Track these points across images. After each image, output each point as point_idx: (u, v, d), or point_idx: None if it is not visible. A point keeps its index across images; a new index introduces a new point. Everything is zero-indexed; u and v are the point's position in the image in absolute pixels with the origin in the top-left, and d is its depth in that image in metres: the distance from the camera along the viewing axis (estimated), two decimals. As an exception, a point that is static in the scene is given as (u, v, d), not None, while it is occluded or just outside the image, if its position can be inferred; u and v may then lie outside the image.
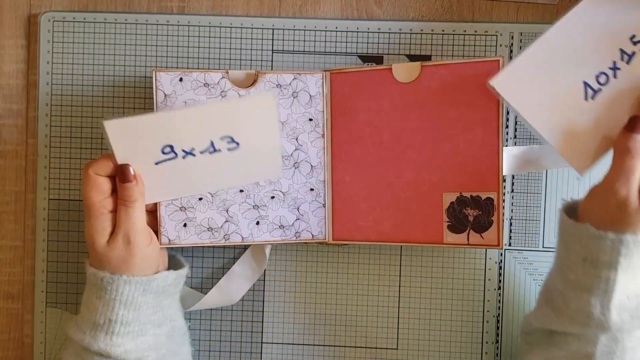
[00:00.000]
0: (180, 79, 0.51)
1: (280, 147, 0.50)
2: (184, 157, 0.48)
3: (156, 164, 0.48)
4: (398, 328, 0.56)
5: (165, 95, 0.51)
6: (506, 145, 0.54)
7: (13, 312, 0.57)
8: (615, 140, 0.44)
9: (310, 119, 0.53)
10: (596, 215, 0.43)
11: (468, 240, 0.51)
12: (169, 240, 0.51)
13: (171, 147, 0.47)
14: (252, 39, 0.56)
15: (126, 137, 0.46)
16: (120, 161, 0.47)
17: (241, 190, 0.52)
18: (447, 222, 0.52)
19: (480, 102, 0.50)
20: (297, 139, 0.53)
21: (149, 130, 0.47)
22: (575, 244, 0.44)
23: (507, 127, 0.55)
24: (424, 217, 0.52)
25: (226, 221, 0.52)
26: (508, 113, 0.54)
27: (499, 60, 0.50)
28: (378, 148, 0.52)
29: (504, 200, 0.55)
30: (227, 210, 0.52)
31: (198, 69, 0.54)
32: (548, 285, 0.48)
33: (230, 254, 0.56)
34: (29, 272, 0.57)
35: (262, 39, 0.56)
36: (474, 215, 0.51)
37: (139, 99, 0.56)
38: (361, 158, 0.53)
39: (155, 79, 0.51)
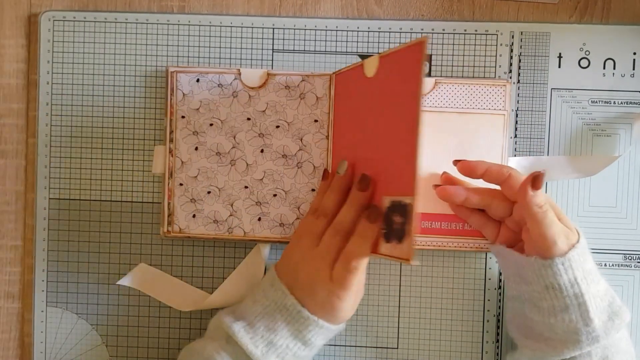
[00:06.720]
0: (197, 80, 0.54)
1: None
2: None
3: None
4: (398, 327, 0.56)
5: (184, 94, 0.54)
6: (514, 155, 0.54)
7: (13, 312, 0.57)
8: (523, 200, 0.46)
9: (316, 120, 0.53)
10: (545, 251, 0.46)
11: (391, 251, 0.42)
12: (180, 229, 0.54)
13: None
14: (252, 38, 0.56)
15: None
16: None
17: (246, 187, 0.54)
18: (383, 229, 0.44)
19: (404, 94, 0.42)
20: (301, 140, 0.53)
21: None
22: (532, 276, 0.46)
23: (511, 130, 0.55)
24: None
25: (230, 215, 0.54)
26: (516, 117, 0.54)
27: (422, 42, 0.40)
28: (352, 147, 0.50)
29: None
30: (232, 205, 0.54)
31: (212, 69, 0.54)
32: (521, 322, 0.50)
33: (231, 254, 0.56)
34: (29, 271, 0.57)
35: (262, 38, 0.56)
36: (399, 222, 0.42)
37: (140, 98, 0.56)
38: (348, 157, 0.50)
39: (176, 79, 0.54)
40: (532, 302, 0.47)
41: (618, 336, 0.46)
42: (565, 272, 0.45)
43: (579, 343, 0.45)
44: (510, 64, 0.55)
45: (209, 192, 0.54)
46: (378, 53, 0.49)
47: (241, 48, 0.56)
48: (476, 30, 0.55)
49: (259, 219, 0.54)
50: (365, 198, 0.46)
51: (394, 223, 0.42)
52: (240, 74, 0.54)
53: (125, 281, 0.56)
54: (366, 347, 0.56)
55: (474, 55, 0.55)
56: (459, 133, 0.53)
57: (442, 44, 0.55)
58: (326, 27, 0.56)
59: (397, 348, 0.56)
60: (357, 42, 0.56)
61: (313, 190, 0.54)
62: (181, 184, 0.54)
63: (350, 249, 0.45)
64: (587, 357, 0.46)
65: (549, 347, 0.47)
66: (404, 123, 0.42)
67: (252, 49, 0.56)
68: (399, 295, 0.56)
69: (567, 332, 0.46)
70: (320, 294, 0.45)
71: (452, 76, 0.55)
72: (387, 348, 0.56)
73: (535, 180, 0.45)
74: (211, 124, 0.54)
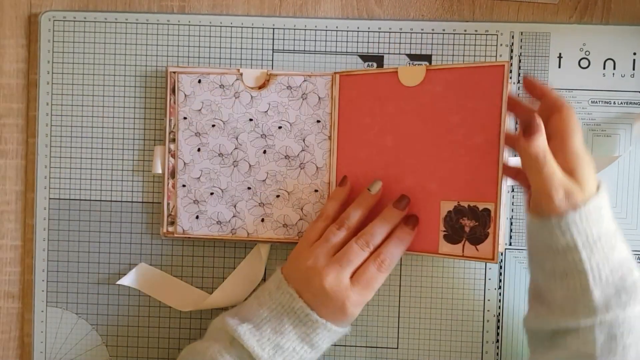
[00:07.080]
0: (199, 81, 0.54)
1: None
2: None
3: None
4: (398, 327, 0.56)
5: (186, 95, 0.54)
6: (514, 155, 0.54)
7: (13, 312, 0.57)
8: (519, 150, 0.43)
9: (318, 121, 0.53)
10: (542, 207, 0.43)
11: (463, 252, 0.48)
12: (183, 230, 0.54)
13: None
14: (252, 38, 0.56)
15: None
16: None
17: (249, 188, 0.54)
18: (444, 231, 0.49)
19: (482, 109, 0.48)
20: (304, 140, 0.53)
21: None
22: (535, 235, 0.44)
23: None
24: (420, 225, 0.50)
25: (234, 216, 0.54)
26: (517, 123, 0.54)
27: (504, 65, 0.47)
28: (381, 152, 0.51)
29: (512, 211, 0.55)
30: (234, 206, 0.54)
31: (213, 69, 0.55)
32: (532, 282, 0.48)
33: (231, 254, 0.56)
34: (29, 271, 0.57)
35: (262, 38, 0.56)
36: (471, 226, 0.48)
37: (140, 98, 0.56)
38: (365, 161, 0.52)
39: (178, 81, 0.54)
40: (538, 263, 0.45)
41: (633, 315, 0.41)
42: (562, 235, 0.41)
43: (575, 313, 0.42)
44: (510, 64, 0.55)
45: (211, 194, 0.54)
46: (426, 65, 0.51)
47: (241, 48, 0.56)
48: (476, 31, 0.55)
49: (262, 220, 0.54)
50: (401, 216, 0.49)
51: (464, 226, 0.48)
52: (241, 74, 0.54)
53: (125, 281, 0.56)
54: (366, 347, 0.56)
55: (474, 56, 0.55)
56: None
57: (442, 44, 0.55)
58: (326, 27, 0.56)
59: (397, 348, 0.56)
60: (357, 42, 0.56)
61: (316, 191, 0.54)
62: (184, 185, 0.54)
63: (387, 250, 0.48)
64: (589, 332, 0.41)
65: (548, 312, 0.44)
66: (483, 136, 0.47)
67: (252, 49, 0.56)
68: (399, 295, 0.56)
69: (566, 299, 0.43)
70: (336, 300, 0.46)
71: (452, 76, 0.55)
72: (387, 348, 0.56)
73: (528, 128, 0.41)
74: (213, 125, 0.54)
